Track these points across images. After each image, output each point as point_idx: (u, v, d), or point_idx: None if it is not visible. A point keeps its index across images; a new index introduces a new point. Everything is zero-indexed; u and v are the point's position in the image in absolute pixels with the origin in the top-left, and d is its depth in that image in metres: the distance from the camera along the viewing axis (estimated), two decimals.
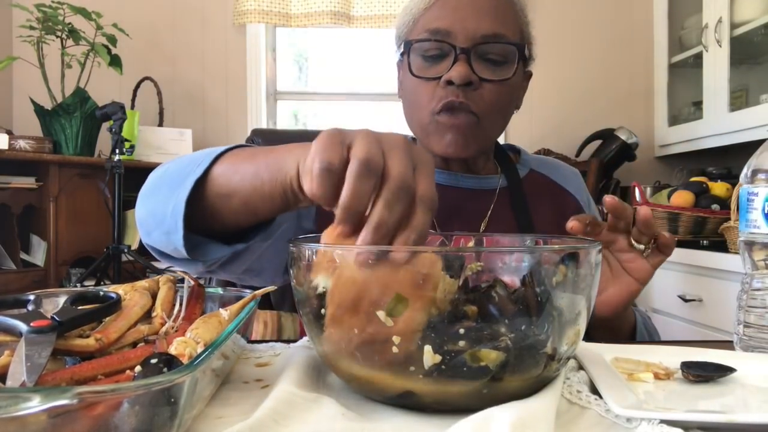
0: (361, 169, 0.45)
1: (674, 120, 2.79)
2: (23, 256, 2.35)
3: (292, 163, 0.55)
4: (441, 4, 0.88)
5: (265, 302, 1.01)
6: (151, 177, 0.73)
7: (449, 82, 0.85)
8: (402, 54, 0.92)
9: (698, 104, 2.57)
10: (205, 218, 0.65)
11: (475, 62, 0.86)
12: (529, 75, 0.99)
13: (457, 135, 0.88)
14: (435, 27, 0.87)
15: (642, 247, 0.74)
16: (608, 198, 0.72)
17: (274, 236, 0.76)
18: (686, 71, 2.73)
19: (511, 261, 0.47)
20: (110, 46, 2.58)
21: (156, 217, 0.66)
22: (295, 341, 0.66)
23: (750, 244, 0.63)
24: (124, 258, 2.36)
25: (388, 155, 0.46)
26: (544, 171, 1.06)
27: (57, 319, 0.45)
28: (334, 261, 0.45)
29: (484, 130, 0.90)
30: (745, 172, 0.64)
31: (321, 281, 0.46)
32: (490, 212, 0.96)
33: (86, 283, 2.28)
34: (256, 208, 0.61)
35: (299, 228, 0.88)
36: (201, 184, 0.64)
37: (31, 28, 2.47)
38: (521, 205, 0.98)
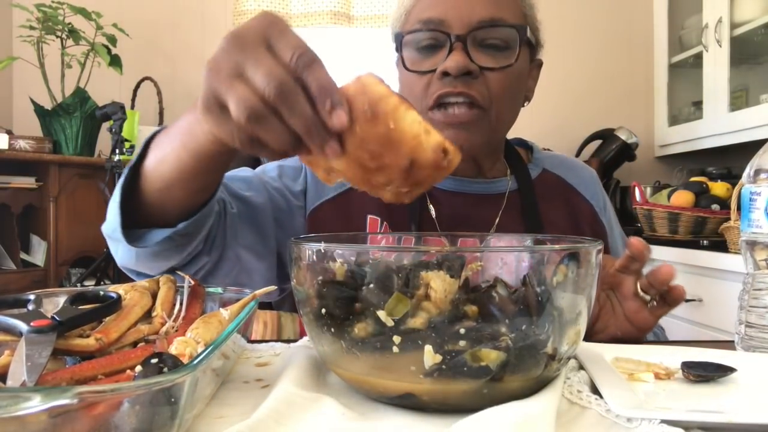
0: (253, 128, 0.44)
1: (674, 120, 2.79)
2: (23, 256, 2.35)
3: (197, 126, 0.55)
4: None
5: (265, 302, 1.01)
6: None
7: (445, 74, 0.80)
8: (396, 49, 0.89)
9: (698, 104, 2.57)
10: (164, 216, 0.65)
11: (473, 50, 0.80)
12: (539, 64, 0.93)
13: (457, 129, 0.81)
14: (427, 16, 0.82)
15: (648, 297, 0.69)
16: (635, 240, 0.67)
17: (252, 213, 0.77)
18: (686, 71, 2.73)
19: (511, 261, 0.47)
20: (110, 46, 2.58)
21: (110, 227, 0.66)
22: (295, 341, 0.66)
23: (752, 244, 0.63)
24: None
25: (248, 76, 0.44)
26: (558, 171, 0.99)
27: (57, 318, 0.45)
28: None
29: (491, 123, 0.83)
30: (748, 171, 0.64)
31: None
32: (498, 219, 0.90)
33: (86, 283, 2.28)
34: (200, 185, 0.63)
35: (277, 218, 0.85)
36: (138, 186, 0.64)
37: (31, 28, 2.47)
38: (532, 210, 0.91)
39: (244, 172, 0.87)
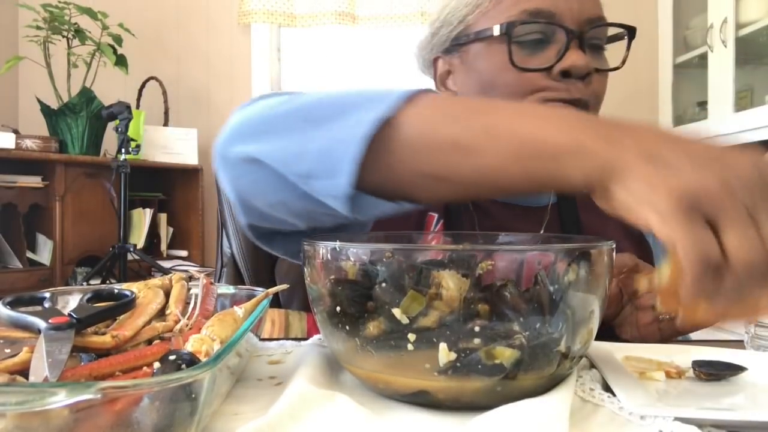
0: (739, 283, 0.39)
1: (679, 120, 2.79)
2: (29, 255, 2.36)
3: (580, 170, 0.46)
4: None
5: (273, 300, 1.01)
6: (250, 119, 0.60)
7: (564, 74, 0.71)
8: (473, 41, 0.76)
9: (703, 104, 2.57)
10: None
11: (586, 50, 0.73)
12: None
13: None
14: (535, 7, 0.72)
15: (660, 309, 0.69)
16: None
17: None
18: (691, 71, 2.73)
19: (523, 259, 0.47)
20: (116, 46, 2.59)
21: (285, 162, 0.53)
22: (303, 340, 0.66)
23: None
24: (129, 257, 2.36)
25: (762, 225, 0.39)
26: None
27: (74, 316, 0.45)
28: None
29: None
30: None
31: None
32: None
33: (92, 282, 2.28)
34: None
35: None
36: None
37: (38, 28, 2.48)
38: (573, 225, 0.84)
39: None
